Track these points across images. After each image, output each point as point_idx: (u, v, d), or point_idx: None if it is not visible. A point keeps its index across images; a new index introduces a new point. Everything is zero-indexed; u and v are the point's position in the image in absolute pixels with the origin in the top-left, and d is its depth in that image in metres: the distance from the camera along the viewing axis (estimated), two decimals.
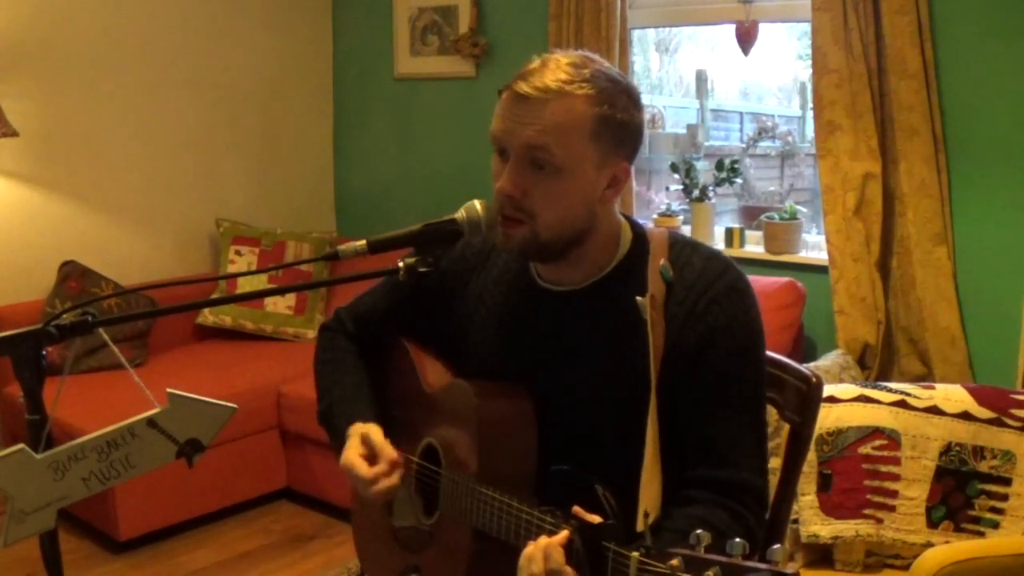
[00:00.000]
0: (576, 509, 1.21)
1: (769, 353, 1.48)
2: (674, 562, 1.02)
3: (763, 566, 0.97)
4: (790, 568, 0.97)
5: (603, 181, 1.38)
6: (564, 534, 1.18)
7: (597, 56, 1.41)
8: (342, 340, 1.73)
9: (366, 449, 1.51)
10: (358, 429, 1.54)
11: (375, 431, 1.53)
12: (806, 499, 2.29)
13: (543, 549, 1.18)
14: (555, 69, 1.34)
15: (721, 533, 1.24)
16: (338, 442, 1.58)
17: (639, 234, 1.47)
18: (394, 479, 1.48)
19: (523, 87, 1.34)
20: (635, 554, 1.06)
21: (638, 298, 1.37)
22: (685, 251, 1.43)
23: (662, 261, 1.40)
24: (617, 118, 1.36)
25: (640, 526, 1.16)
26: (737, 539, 1.00)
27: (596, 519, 1.19)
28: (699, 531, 1.03)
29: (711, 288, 1.38)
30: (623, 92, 1.37)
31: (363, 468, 1.48)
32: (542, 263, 1.48)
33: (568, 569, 1.16)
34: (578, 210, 1.37)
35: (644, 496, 1.28)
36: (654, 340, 1.35)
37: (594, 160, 1.36)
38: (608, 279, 1.44)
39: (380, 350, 1.72)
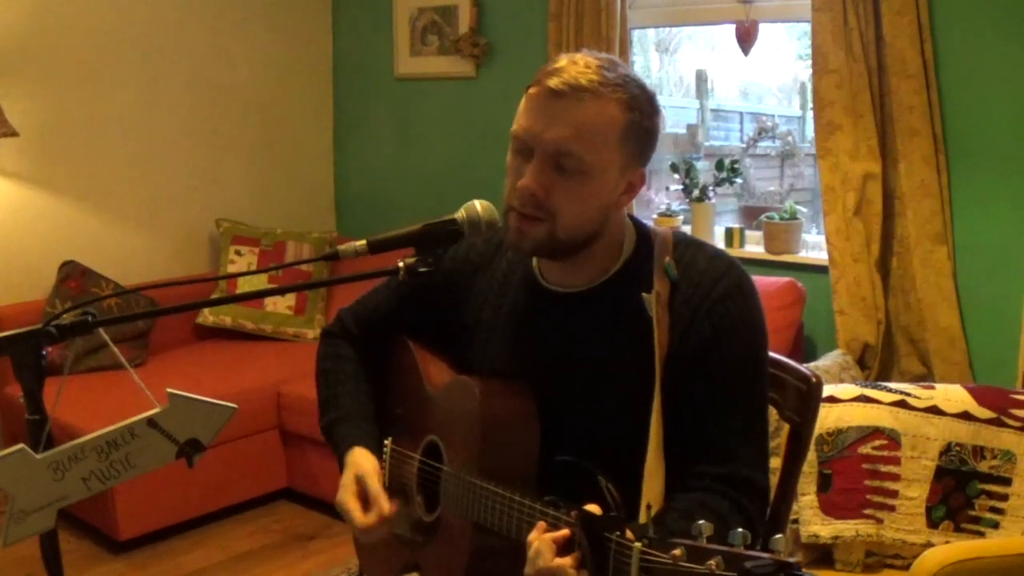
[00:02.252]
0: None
1: (769, 353, 1.48)
2: (676, 552, 1.02)
3: (765, 555, 0.97)
4: (793, 558, 0.97)
5: (622, 186, 1.39)
6: (565, 532, 1.19)
7: (620, 60, 1.41)
8: (344, 346, 1.74)
9: (359, 491, 1.55)
10: (355, 460, 1.57)
11: (371, 473, 1.55)
12: (806, 499, 2.28)
13: (547, 544, 1.19)
14: (585, 69, 1.33)
15: (722, 518, 1.25)
16: (339, 458, 1.62)
17: (643, 234, 1.47)
18: (383, 531, 1.53)
19: (556, 83, 1.32)
20: (637, 544, 1.07)
21: (644, 294, 1.37)
22: (689, 250, 1.44)
23: (667, 259, 1.41)
24: (644, 125, 1.36)
25: (643, 518, 1.17)
26: (739, 529, 1.00)
27: (599, 510, 1.19)
28: (701, 521, 1.03)
29: (716, 288, 1.39)
30: (648, 99, 1.38)
31: (357, 515, 1.53)
32: (551, 261, 1.48)
33: (561, 561, 1.17)
34: (596, 213, 1.38)
35: (647, 489, 1.28)
36: (659, 337, 1.35)
37: (618, 165, 1.36)
38: (613, 281, 1.44)
39: (384, 349, 1.72)
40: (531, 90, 1.37)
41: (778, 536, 0.98)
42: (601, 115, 1.32)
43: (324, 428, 1.69)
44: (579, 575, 1.16)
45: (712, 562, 0.99)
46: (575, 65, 1.34)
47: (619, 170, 1.37)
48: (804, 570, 0.97)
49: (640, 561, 1.06)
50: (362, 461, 1.57)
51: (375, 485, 1.53)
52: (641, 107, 1.35)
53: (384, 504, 1.52)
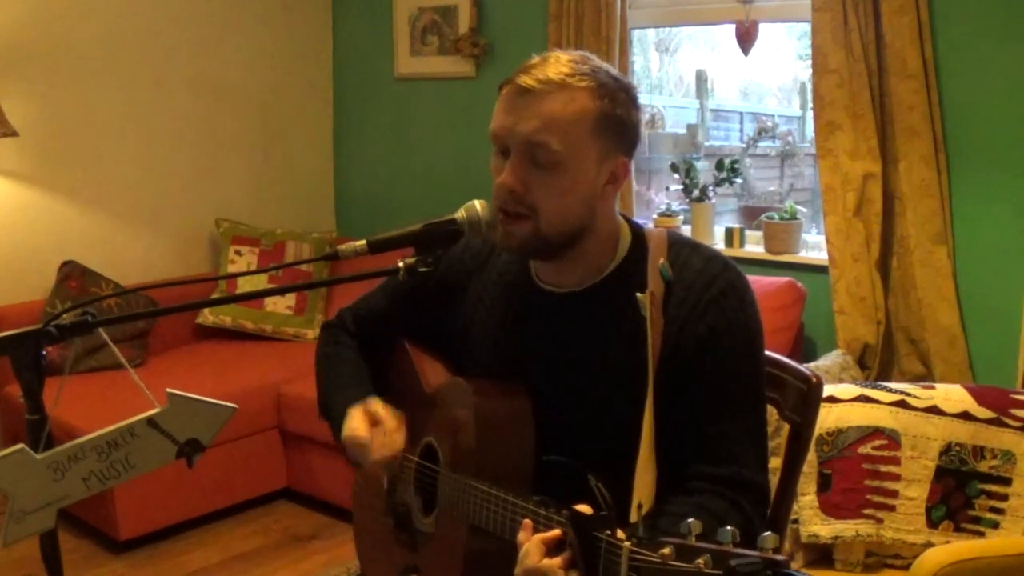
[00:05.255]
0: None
1: (769, 353, 1.48)
2: (665, 551, 1.02)
3: (753, 553, 0.97)
4: (780, 555, 0.97)
5: (603, 176, 1.39)
6: (556, 533, 1.19)
7: (595, 56, 1.43)
8: (344, 337, 1.75)
9: (368, 418, 1.54)
10: (358, 405, 1.57)
11: (375, 401, 1.56)
12: (806, 499, 2.29)
13: (536, 544, 1.19)
14: (556, 64, 1.36)
15: (720, 520, 1.25)
16: (338, 427, 1.59)
17: (638, 234, 1.47)
18: (396, 440, 1.51)
19: (525, 80, 1.35)
20: (627, 544, 1.07)
21: (638, 295, 1.37)
22: (684, 251, 1.44)
23: (661, 260, 1.41)
24: (617, 113, 1.37)
25: (633, 517, 1.17)
26: (728, 527, 1.01)
27: (589, 509, 1.19)
28: (691, 520, 1.03)
29: (710, 288, 1.39)
30: (622, 89, 1.39)
31: (363, 432, 1.52)
32: (542, 261, 1.48)
33: (550, 561, 1.17)
34: (579, 205, 1.38)
35: (638, 488, 1.28)
36: (652, 337, 1.35)
37: (595, 155, 1.37)
38: (607, 281, 1.45)
39: (381, 350, 1.73)
40: (504, 89, 1.39)
41: (766, 534, 0.98)
42: (570, 105, 1.34)
43: (323, 404, 1.68)
44: (568, 575, 1.16)
45: (700, 560, 0.99)
46: (546, 61, 1.37)
47: (596, 160, 1.37)
48: (802, 570, 0.97)
49: (629, 560, 1.06)
50: (365, 402, 1.57)
51: (381, 405, 1.54)
52: (612, 95, 1.36)
53: (392, 415, 1.53)
